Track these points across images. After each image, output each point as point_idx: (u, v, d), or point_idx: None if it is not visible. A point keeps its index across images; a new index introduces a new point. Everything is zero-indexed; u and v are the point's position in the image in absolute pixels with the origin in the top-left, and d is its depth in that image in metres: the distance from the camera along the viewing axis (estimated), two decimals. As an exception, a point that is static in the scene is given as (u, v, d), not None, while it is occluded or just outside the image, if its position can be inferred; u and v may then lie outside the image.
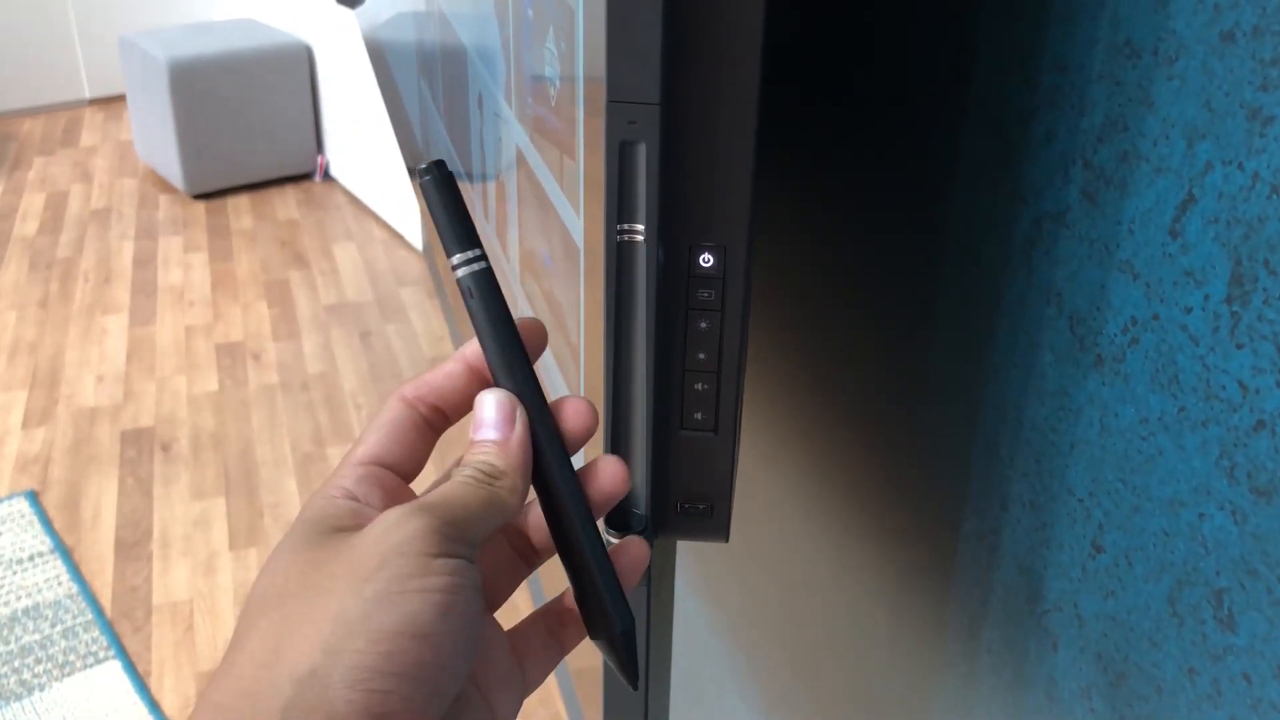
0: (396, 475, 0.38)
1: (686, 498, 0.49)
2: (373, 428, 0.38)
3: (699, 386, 0.46)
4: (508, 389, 0.38)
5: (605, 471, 0.39)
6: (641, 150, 0.40)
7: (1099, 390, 0.45)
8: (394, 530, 0.33)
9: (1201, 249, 0.39)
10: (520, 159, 0.74)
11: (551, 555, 0.41)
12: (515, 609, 0.41)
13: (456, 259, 0.37)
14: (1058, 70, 0.45)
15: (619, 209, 0.42)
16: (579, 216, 0.58)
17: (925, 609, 0.62)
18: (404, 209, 3.58)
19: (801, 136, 0.71)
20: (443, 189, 0.37)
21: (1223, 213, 0.38)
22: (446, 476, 0.38)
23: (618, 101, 0.39)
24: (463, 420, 0.40)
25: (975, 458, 0.55)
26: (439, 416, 0.39)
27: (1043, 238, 0.47)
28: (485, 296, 0.38)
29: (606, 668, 0.57)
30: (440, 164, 0.37)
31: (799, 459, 0.79)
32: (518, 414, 0.37)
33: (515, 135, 0.74)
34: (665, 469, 0.48)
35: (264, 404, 2.85)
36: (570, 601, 0.40)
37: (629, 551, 0.40)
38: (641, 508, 0.48)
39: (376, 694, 0.30)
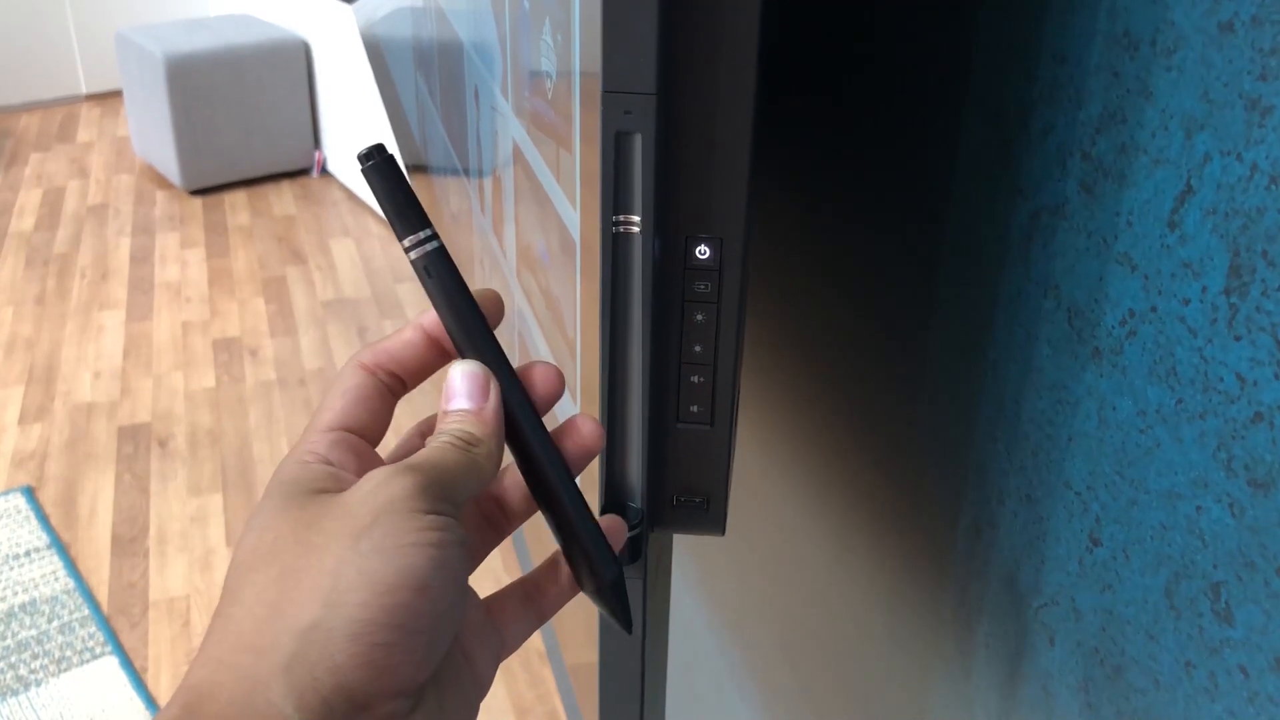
0: (363, 440, 0.38)
1: (682, 491, 0.49)
2: (335, 394, 0.38)
3: (695, 379, 0.46)
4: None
5: (580, 428, 0.40)
6: (637, 141, 0.40)
7: (1096, 383, 0.45)
8: (383, 488, 0.34)
9: (1200, 240, 0.39)
10: (517, 153, 0.74)
11: (522, 521, 0.42)
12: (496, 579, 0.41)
13: (408, 241, 0.38)
14: (1056, 62, 0.45)
15: (615, 201, 0.41)
16: (575, 210, 0.58)
17: (921, 603, 0.62)
18: (401, 205, 3.57)
19: (798, 128, 0.71)
20: (386, 173, 0.38)
21: (1221, 204, 0.38)
22: (413, 446, 0.39)
23: (613, 92, 0.39)
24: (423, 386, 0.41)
25: (972, 451, 0.55)
26: (397, 383, 0.39)
27: (1040, 230, 0.47)
28: (441, 274, 0.38)
29: (602, 662, 0.57)
30: (380, 148, 0.38)
31: (795, 452, 0.79)
32: (490, 384, 0.38)
33: (512, 129, 0.74)
34: (661, 462, 0.48)
35: (261, 400, 2.85)
36: (547, 571, 0.41)
37: (579, 430, 0.40)
38: (637, 501, 0.48)
39: (379, 646, 0.31)
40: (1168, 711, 0.44)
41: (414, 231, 0.38)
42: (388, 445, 0.40)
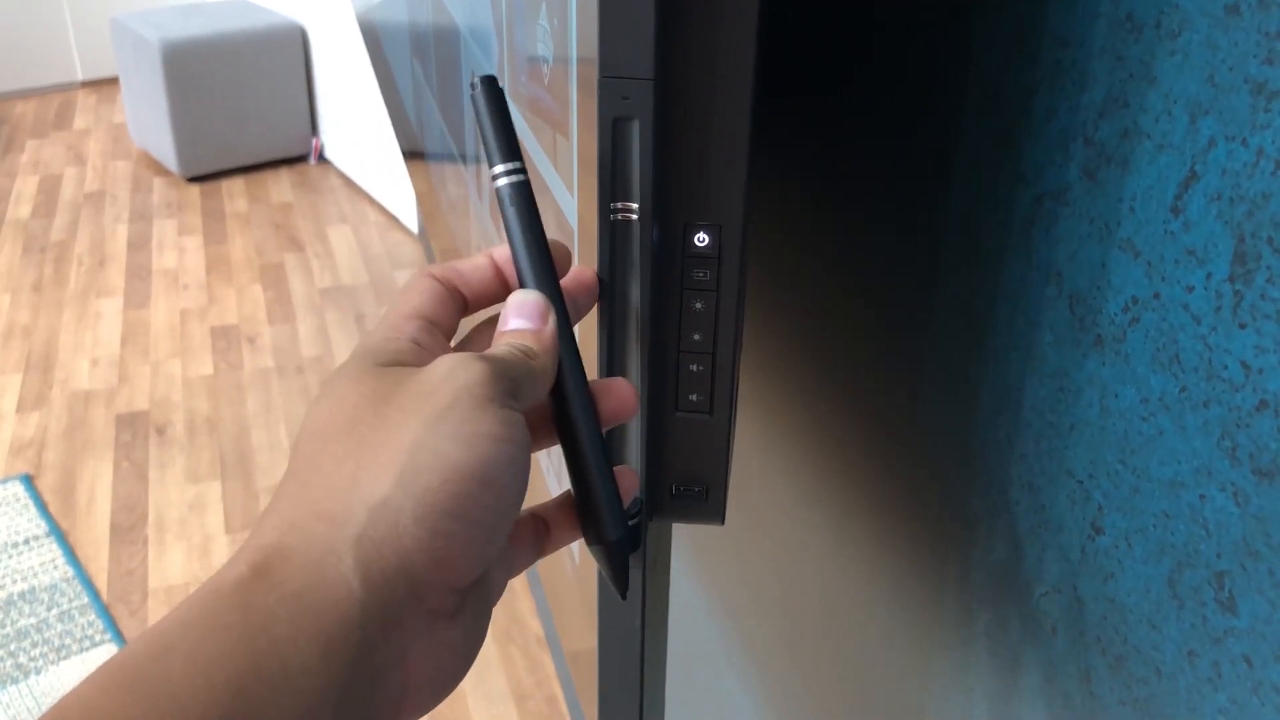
0: (442, 334, 0.39)
1: (681, 480, 0.48)
2: (412, 292, 0.39)
3: (694, 368, 0.45)
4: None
5: (616, 389, 0.41)
6: (635, 127, 0.39)
7: (1099, 370, 0.45)
8: (460, 371, 0.34)
9: (1204, 227, 0.38)
10: (514, 139, 0.73)
11: (545, 446, 0.42)
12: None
13: (499, 169, 0.39)
14: (1058, 46, 0.45)
15: (612, 187, 0.41)
16: (573, 195, 0.57)
17: (922, 592, 0.62)
18: (399, 191, 3.57)
19: (797, 113, 0.70)
20: (492, 102, 0.39)
21: (1226, 189, 0.37)
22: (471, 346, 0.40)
23: (611, 77, 0.38)
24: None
25: (973, 439, 0.54)
26: (462, 302, 0.40)
27: (1043, 216, 0.47)
28: (522, 206, 0.39)
29: (602, 649, 0.57)
30: (493, 79, 0.39)
31: (795, 441, 0.79)
32: (550, 312, 0.39)
33: (508, 114, 0.73)
34: (660, 451, 0.47)
35: (259, 387, 2.85)
36: (558, 510, 0.42)
37: (616, 392, 0.41)
38: (636, 490, 0.47)
39: (442, 535, 0.32)
40: (1170, 701, 0.43)
41: (507, 161, 0.39)
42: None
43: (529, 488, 0.41)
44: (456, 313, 0.40)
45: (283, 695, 0.29)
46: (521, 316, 0.38)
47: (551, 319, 0.39)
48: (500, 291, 0.41)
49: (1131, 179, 0.42)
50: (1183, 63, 0.38)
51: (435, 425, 0.33)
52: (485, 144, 0.39)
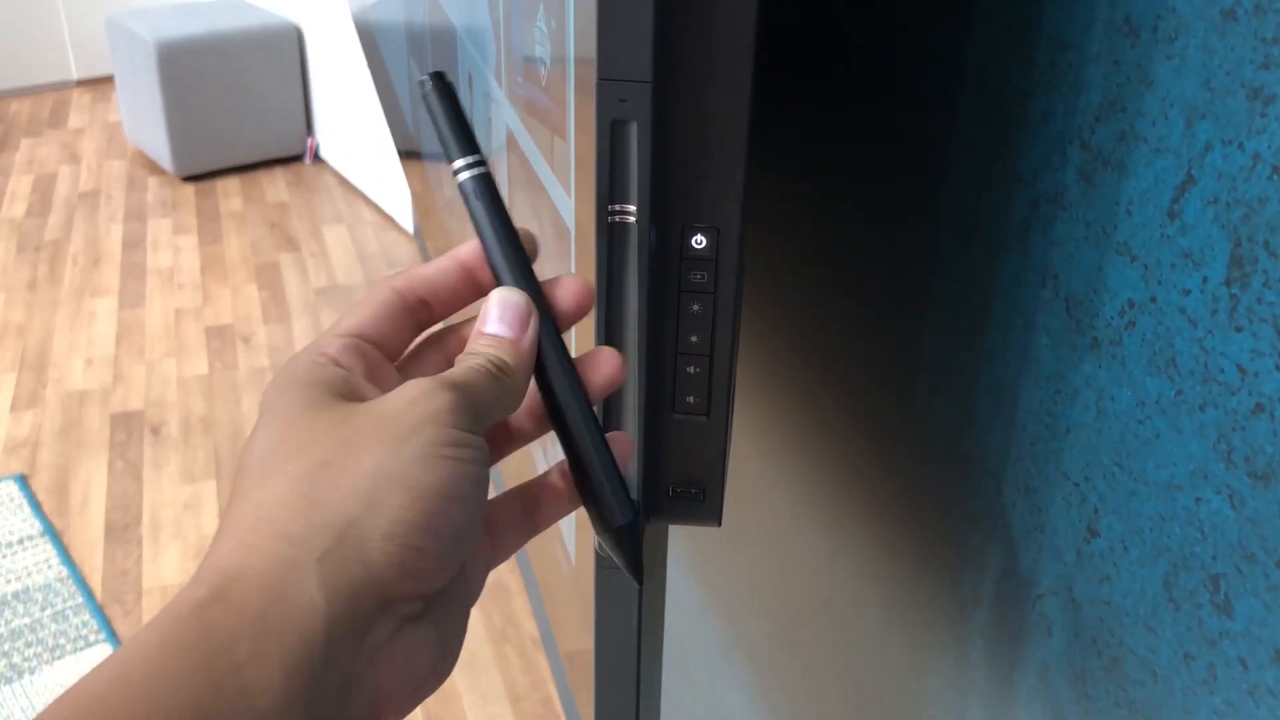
0: (377, 350, 0.38)
1: (678, 482, 0.48)
2: (363, 305, 0.38)
3: (691, 369, 0.46)
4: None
5: (602, 359, 0.40)
6: (633, 129, 0.39)
7: (1095, 373, 0.45)
8: (424, 401, 0.34)
9: (1200, 230, 0.38)
10: (511, 140, 0.73)
11: (528, 441, 0.42)
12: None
13: (460, 163, 0.39)
14: (1055, 49, 0.45)
15: (610, 189, 0.41)
16: (570, 197, 0.57)
17: (918, 593, 0.62)
18: (394, 191, 3.56)
19: (794, 117, 0.70)
20: (443, 98, 0.39)
21: (1222, 193, 0.37)
22: (427, 357, 0.40)
23: (609, 80, 0.39)
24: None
25: (969, 441, 0.54)
26: (425, 311, 0.40)
27: (1039, 219, 0.47)
28: (486, 199, 0.39)
29: (598, 650, 0.57)
30: (441, 74, 0.39)
31: (791, 443, 0.79)
32: (531, 317, 0.38)
33: (506, 115, 0.73)
34: (657, 453, 0.47)
35: (254, 387, 2.84)
36: (545, 483, 0.41)
37: (599, 362, 0.41)
38: (633, 492, 0.47)
39: (412, 549, 0.32)
40: (1165, 703, 0.44)
41: (465, 154, 0.39)
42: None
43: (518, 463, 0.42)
44: (408, 328, 0.39)
45: (245, 715, 0.29)
46: (503, 322, 0.38)
47: (532, 326, 0.38)
48: (469, 293, 0.40)
49: (1128, 182, 0.42)
50: (1180, 67, 0.38)
51: (397, 450, 0.33)
52: (442, 140, 0.39)
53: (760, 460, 0.85)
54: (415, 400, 0.34)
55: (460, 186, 0.39)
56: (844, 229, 0.66)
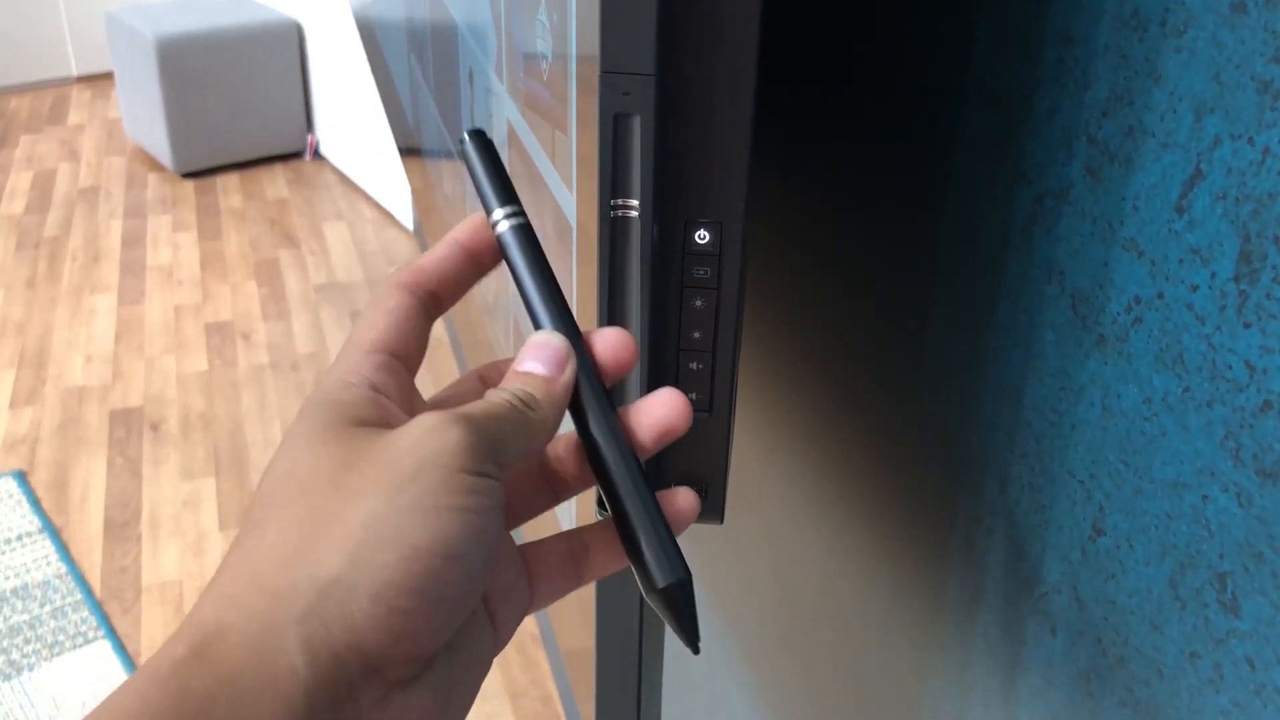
0: (405, 366, 0.37)
1: (681, 479, 0.48)
2: (376, 313, 0.37)
3: (694, 366, 0.45)
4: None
5: (658, 403, 0.38)
6: (636, 123, 0.39)
7: (1101, 370, 0.45)
8: (431, 438, 0.32)
9: (1209, 226, 0.38)
10: (512, 135, 0.73)
11: (580, 490, 0.40)
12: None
13: (499, 213, 0.38)
14: (1062, 44, 0.44)
15: (613, 184, 0.41)
16: (571, 193, 0.57)
17: (921, 592, 0.62)
18: (394, 188, 3.56)
19: (798, 113, 0.70)
20: (484, 153, 0.38)
21: (1231, 188, 0.37)
22: (469, 389, 0.38)
23: (612, 73, 0.38)
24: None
25: (974, 439, 0.54)
26: (434, 302, 0.38)
27: (1044, 215, 0.47)
28: (528, 249, 0.38)
29: (599, 648, 0.56)
30: (481, 132, 0.38)
31: (794, 440, 0.79)
32: (569, 361, 0.37)
33: (507, 110, 0.73)
34: (659, 450, 0.47)
35: (254, 384, 2.84)
36: (599, 532, 0.39)
37: (676, 503, 0.39)
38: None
39: (399, 611, 0.30)
40: (1171, 703, 0.43)
41: (507, 204, 0.38)
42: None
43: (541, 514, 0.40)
44: (424, 327, 0.38)
45: None
46: (538, 360, 0.36)
47: (570, 368, 0.36)
48: (474, 273, 0.39)
49: (1135, 178, 0.41)
50: (1188, 60, 0.38)
51: (394, 497, 0.31)
52: (481, 193, 0.38)
53: (762, 458, 0.85)
54: (421, 437, 0.32)
55: (500, 238, 0.38)
56: (848, 226, 0.65)
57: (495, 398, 0.35)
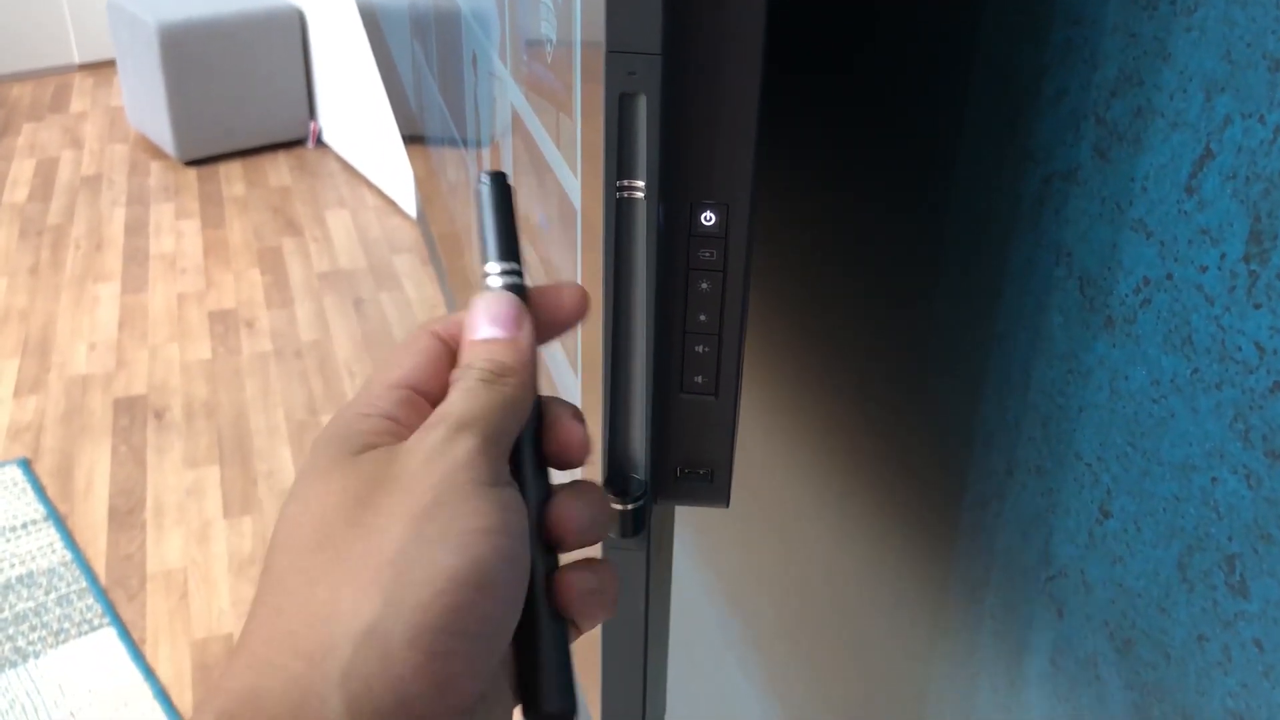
0: (428, 404, 0.35)
1: (686, 463, 0.48)
2: (405, 354, 0.35)
3: (699, 349, 0.45)
4: None
5: (562, 295, 0.37)
6: (642, 103, 0.39)
7: (1109, 352, 0.44)
8: (440, 456, 0.31)
9: (1219, 206, 0.38)
10: (516, 119, 0.73)
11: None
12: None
13: (494, 268, 0.37)
14: (1069, 23, 0.44)
15: (618, 165, 0.40)
16: (576, 176, 0.57)
17: (927, 575, 0.62)
18: (397, 176, 3.56)
19: (804, 95, 0.70)
20: (499, 198, 0.37)
21: (1242, 168, 0.37)
22: (423, 369, 0.36)
23: (617, 52, 0.38)
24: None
25: (980, 422, 0.54)
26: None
27: (1052, 197, 0.46)
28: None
29: (605, 634, 0.56)
30: (502, 176, 0.38)
31: (799, 424, 0.78)
32: (524, 317, 0.36)
33: (511, 94, 0.73)
34: (665, 433, 0.47)
35: (257, 372, 2.84)
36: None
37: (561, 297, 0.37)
38: (641, 472, 0.47)
39: (439, 656, 0.28)
40: (1179, 685, 0.43)
41: (507, 260, 0.37)
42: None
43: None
44: (448, 371, 0.36)
45: None
46: (495, 324, 0.35)
47: (527, 323, 0.35)
48: None
49: (1144, 158, 0.41)
50: (1199, 39, 0.38)
51: (421, 527, 0.29)
52: (483, 238, 0.37)
53: (767, 442, 0.85)
54: (432, 457, 0.30)
55: (486, 283, 0.37)
56: (853, 208, 0.65)
57: (465, 383, 0.33)
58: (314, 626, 0.28)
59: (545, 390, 0.39)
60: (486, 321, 0.35)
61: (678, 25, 0.38)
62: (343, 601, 0.28)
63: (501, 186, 0.37)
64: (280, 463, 2.51)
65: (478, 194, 0.37)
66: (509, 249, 0.37)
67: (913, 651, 0.65)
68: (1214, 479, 0.40)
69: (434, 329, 0.36)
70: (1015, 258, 0.49)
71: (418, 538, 0.29)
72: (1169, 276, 0.41)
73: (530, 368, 0.35)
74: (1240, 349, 0.38)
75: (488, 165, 0.90)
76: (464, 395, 0.33)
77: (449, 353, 0.36)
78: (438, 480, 0.30)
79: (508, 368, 0.34)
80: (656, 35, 0.37)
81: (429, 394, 0.35)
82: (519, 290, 0.36)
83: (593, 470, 0.47)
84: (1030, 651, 0.53)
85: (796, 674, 0.86)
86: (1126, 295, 0.43)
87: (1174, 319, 0.41)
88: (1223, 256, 0.38)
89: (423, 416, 0.34)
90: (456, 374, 0.34)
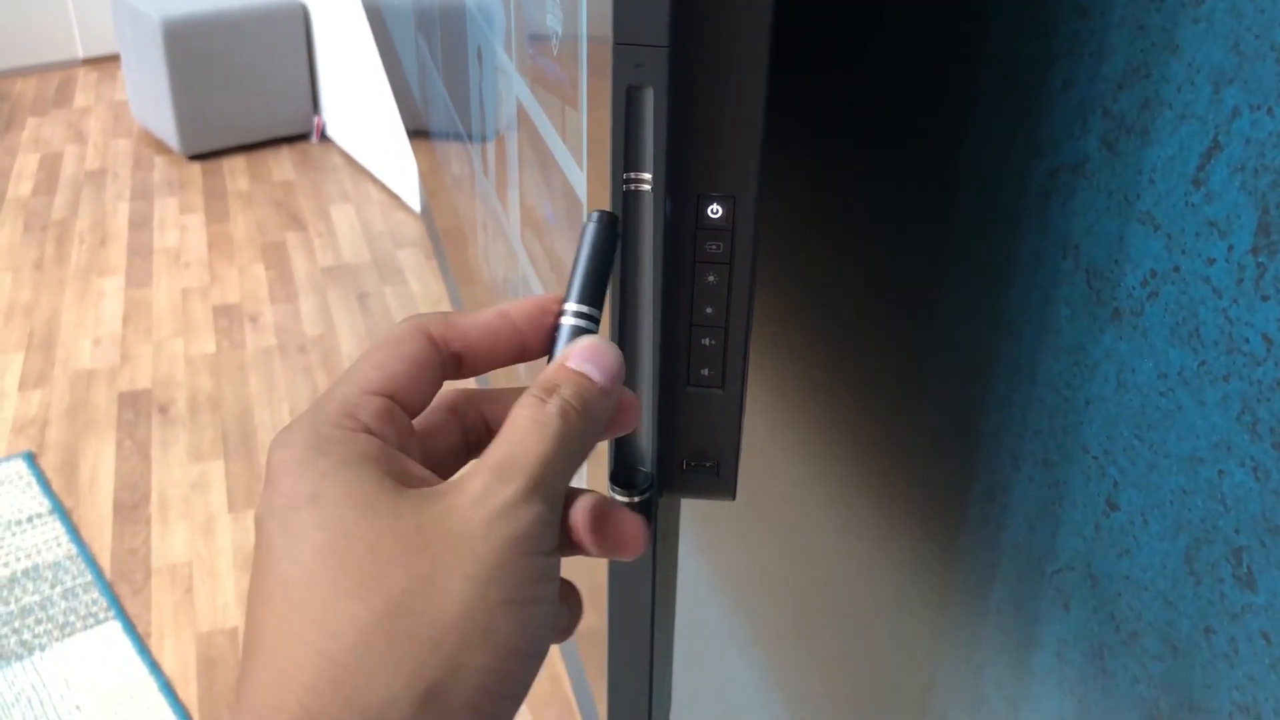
0: (406, 416, 0.33)
1: (692, 455, 0.48)
2: (390, 355, 0.33)
3: (706, 342, 0.45)
4: None
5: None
6: (649, 95, 0.39)
7: (1116, 345, 0.44)
8: (508, 521, 0.29)
9: (1226, 198, 0.38)
10: (521, 113, 0.73)
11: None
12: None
13: (574, 307, 0.35)
14: (1077, 16, 0.44)
15: (625, 157, 0.40)
16: (581, 170, 0.57)
17: (932, 569, 0.62)
18: (401, 170, 3.55)
19: (811, 87, 0.70)
20: (602, 241, 0.36)
21: (1250, 160, 0.37)
22: (463, 434, 0.35)
23: (625, 44, 0.38)
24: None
25: (986, 415, 0.54)
26: (455, 363, 0.35)
27: (1059, 189, 0.46)
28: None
29: (611, 627, 0.56)
30: (614, 220, 0.36)
31: (804, 417, 0.78)
32: (621, 377, 0.34)
33: (516, 87, 0.73)
34: (671, 426, 0.47)
35: (262, 366, 2.84)
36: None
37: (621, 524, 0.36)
38: (647, 465, 0.47)
39: (489, 718, 0.28)
40: (1186, 677, 0.43)
41: (588, 304, 0.35)
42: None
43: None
44: (436, 382, 0.34)
45: None
46: (593, 364, 0.33)
47: (619, 384, 0.33)
48: (511, 356, 0.35)
49: (1152, 150, 0.41)
50: (1206, 31, 0.38)
51: (485, 592, 0.28)
52: (573, 276, 0.35)
53: (772, 435, 0.85)
54: (498, 516, 0.29)
55: (559, 327, 0.35)
56: (858, 199, 0.65)
57: (548, 410, 0.31)
58: (375, 681, 0.27)
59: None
60: (587, 359, 0.33)
61: (685, 17, 0.38)
62: (403, 660, 0.27)
63: (609, 231, 0.36)
64: (285, 457, 2.51)
65: (582, 230, 0.36)
66: (594, 296, 0.35)
67: (918, 644, 0.65)
68: (1221, 472, 0.40)
69: (428, 329, 0.34)
70: (1022, 250, 0.49)
71: (483, 602, 0.28)
72: (1176, 269, 0.41)
73: (602, 427, 0.33)
74: (1248, 341, 0.38)
75: (492, 159, 0.90)
76: (536, 430, 0.31)
77: (438, 362, 0.34)
78: (501, 543, 0.29)
79: (593, 413, 0.32)
80: (664, 27, 0.37)
81: (408, 406, 0.33)
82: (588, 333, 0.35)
83: (599, 463, 0.47)
84: (1036, 645, 0.53)
85: (802, 667, 0.86)
86: (1134, 288, 0.43)
87: (1181, 311, 0.41)
88: (1230, 249, 0.38)
89: (399, 430, 0.32)
90: (533, 394, 0.32)
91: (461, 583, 0.28)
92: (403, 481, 0.30)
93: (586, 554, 0.36)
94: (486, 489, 0.29)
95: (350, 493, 0.29)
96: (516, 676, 0.28)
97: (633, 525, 0.36)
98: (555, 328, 0.35)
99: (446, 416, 0.36)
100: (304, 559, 0.28)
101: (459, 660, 0.27)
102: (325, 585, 0.28)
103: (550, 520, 0.30)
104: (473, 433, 0.37)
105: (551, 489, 0.30)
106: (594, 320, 0.35)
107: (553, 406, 0.31)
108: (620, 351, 0.34)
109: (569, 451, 0.31)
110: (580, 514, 0.35)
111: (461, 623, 0.28)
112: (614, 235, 0.36)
